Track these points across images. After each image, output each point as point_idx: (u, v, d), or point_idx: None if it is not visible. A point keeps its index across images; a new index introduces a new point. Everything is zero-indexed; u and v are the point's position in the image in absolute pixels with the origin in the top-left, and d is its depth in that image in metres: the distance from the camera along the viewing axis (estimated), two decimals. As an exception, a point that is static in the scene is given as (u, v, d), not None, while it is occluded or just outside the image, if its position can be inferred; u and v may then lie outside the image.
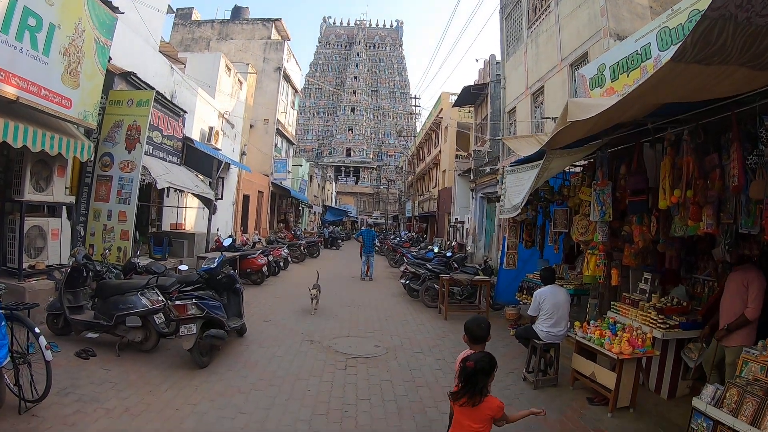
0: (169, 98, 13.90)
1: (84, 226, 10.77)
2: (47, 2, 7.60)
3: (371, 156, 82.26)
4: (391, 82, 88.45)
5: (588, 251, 7.65)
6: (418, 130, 55.54)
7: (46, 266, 8.93)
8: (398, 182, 69.55)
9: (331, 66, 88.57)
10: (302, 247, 24.22)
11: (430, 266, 13.84)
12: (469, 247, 24.84)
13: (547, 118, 14.41)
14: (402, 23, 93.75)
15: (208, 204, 15.16)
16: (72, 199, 9.91)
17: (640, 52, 8.34)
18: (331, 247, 35.81)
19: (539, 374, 7.03)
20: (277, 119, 28.95)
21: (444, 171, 35.31)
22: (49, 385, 5.01)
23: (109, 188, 10.76)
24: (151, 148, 12.16)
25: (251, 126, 25.97)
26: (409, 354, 8.47)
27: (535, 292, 7.42)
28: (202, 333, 6.89)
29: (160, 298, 7.34)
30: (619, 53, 9.01)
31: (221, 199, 18.82)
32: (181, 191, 13.94)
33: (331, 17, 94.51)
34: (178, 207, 16.25)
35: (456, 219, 29.33)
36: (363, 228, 23.53)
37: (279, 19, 30.95)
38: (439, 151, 37.35)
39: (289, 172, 32.39)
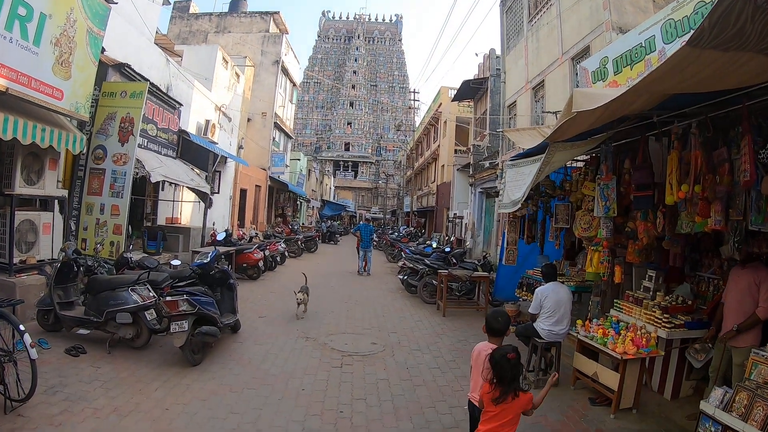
0: (165, 91, 13.74)
1: (77, 220, 10.61)
2: (38, -9, 7.44)
3: (370, 151, 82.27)
4: (390, 76, 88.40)
5: (591, 248, 7.48)
6: (417, 124, 55.33)
7: (38, 261, 8.79)
8: (397, 177, 69.44)
9: (330, 60, 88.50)
10: (299, 242, 24.11)
11: (428, 261, 13.71)
12: (467, 243, 24.69)
13: (548, 112, 14.25)
14: (401, 18, 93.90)
15: (204, 198, 14.99)
16: (64, 192, 9.79)
17: (644, 45, 8.18)
18: (329, 241, 35.70)
19: (540, 373, 6.91)
20: (275, 113, 28.74)
21: (443, 166, 35.11)
22: (34, 384, 4.87)
23: (102, 181, 10.61)
24: (146, 140, 12.00)
25: (249, 119, 25.75)
26: (407, 351, 8.31)
27: (536, 290, 7.28)
28: (194, 330, 6.71)
29: (151, 294, 7.22)
30: (622, 46, 8.84)
31: (218, 193, 18.64)
32: (176, 185, 13.77)
33: (330, 11, 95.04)
34: (173, 201, 16.07)
35: (455, 214, 29.17)
36: (361, 223, 23.39)
37: (277, 12, 30.76)
38: (438, 146, 37.15)
39: (287, 166, 32.21)
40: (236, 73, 22.14)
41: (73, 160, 10.49)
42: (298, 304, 10.27)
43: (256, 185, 27.09)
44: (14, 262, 8.17)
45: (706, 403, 4.59)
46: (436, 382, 6.88)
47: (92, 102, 10.05)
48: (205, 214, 15.46)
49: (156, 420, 5.08)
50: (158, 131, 12.77)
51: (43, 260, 8.91)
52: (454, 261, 13.91)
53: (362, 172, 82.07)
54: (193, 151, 15.09)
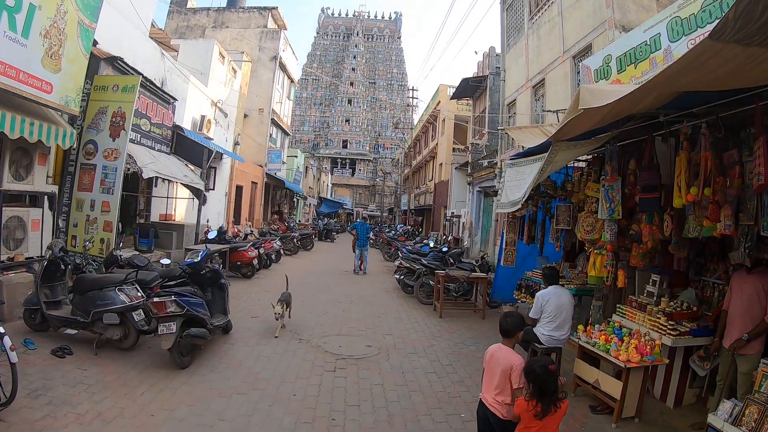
0: (159, 85, 13.49)
1: (67, 217, 10.39)
2: (27, -18, 7.26)
3: (368, 148, 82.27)
4: (388, 74, 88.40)
5: (594, 251, 7.29)
6: (416, 122, 55.27)
7: (26, 259, 8.61)
8: (394, 175, 69.35)
9: (329, 57, 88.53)
10: (295, 240, 23.89)
11: (425, 261, 13.53)
12: (465, 242, 24.59)
13: (548, 111, 14.09)
14: (401, 15, 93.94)
15: (198, 194, 14.78)
16: (54, 188, 9.62)
17: (649, 43, 7.97)
18: (326, 239, 35.54)
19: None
20: (273, 109, 28.61)
21: (441, 164, 34.97)
22: (15, 389, 4.69)
23: (92, 177, 10.37)
24: (139, 136, 11.78)
25: (245, 116, 25.61)
26: (402, 355, 8.12)
27: (537, 294, 7.08)
28: (183, 332, 6.51)
29: (139, 294, 7.02)
30: (626, 44, 8.65)
31: (213, 189, 18.45)
32: (170, 181, 13.54)
33: (329, 8, 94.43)
34: (167, 197, 15.85)
35: (452, 213, 29.08)
36: (357, 221, 23.24)
37: (275, 8, 30.61)
38: (436, 144, 37.00)
39: (284, 162, 32.12)
40: (233, 68, 21.95)
41: (64, 156, 10.27)
42: (277, 317, 8.69)
43: (253, 182, 26.90)
44: (1, 260, 7.99)
45: (714, 417, 4.41)
46: (432, 387, 6.68)
47: (83, 96, 9.83)
48: (199, 210, 15.24)
49: (141, 426, 4.89)
50: (152, 126, 12.53)
51: (32, 258, 8.72)
52: (452, 261, 13.74)
53: (360, 169, 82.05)
54: (188, 147, 14.84)
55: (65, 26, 8.33)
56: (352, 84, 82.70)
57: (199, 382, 6.19)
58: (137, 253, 10.54)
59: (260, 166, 27.84)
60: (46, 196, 9.28)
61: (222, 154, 18.10)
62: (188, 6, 30.72)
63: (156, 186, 14.77)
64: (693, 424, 5.67)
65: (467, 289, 12.65)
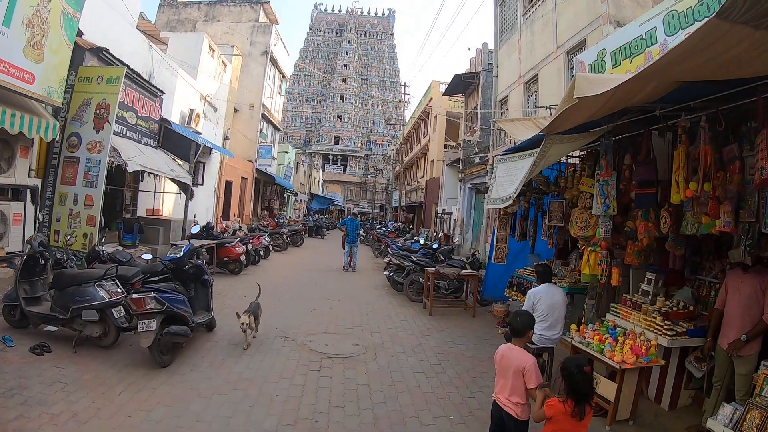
0: (147, 78, 13.25)
1: (50, 211, 10.15)
2: (9, -30, 7.10)
3: (359, 145, 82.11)
4: (381, 70, 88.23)
5: (588, 248, 7.11)
6: (407, 119, 55.16)
7: (7, 253, 8.51)
8: (386, 172, 69.28)
9: (322, 53, 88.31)
10: (285, 236, 23.66)
11: (415, 258, 13.33)
12: (456, 239, 24.46)
13: (541, 106, 13.98)
14: (394, 12, 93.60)
15: (185, 189, 14.54)
16: (37, 181, 9.45)
17: (644, 37, 7.84)
18: (316, 236, 35.30)
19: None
20: (263, 104, 28.42)
21: (432, 161, 34.86)
22: (-13, 389, 4.48)
23: (75, 170, 10.16)
24: (125, 129, 11.56)
25: (236, 110, 25.38)
26: (390, 354, 7.93)
27: (529, 291, 6.89)
28: (163, 329, 6.30)
29: (119, 290, 6.78)
30: (621, 38, 8.51)
31: (201, 184, 18.20)
32: (156, 175, 13.31)
33: (322, 4, 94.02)
34: (155, 192, 15.64)
35: (443, 210, 28.97)
36: (347, 217, 23.08)
37: (267, 2, 30.41)
38: (428, 141, 36.89)
39: (274, 158, 31.93)
40: (223, 62, 21.70)
41: (47, 148, 10.05)
42: (243, 330, 7.56)
43: (242, 177, 26.69)
44: (-19, 254, 7.79)
45: (714, 421, 4.25)
46: (420, 388, 6.50)
47: (67, 87, 9.61)
48: (186, 205, 15.01)
49: (117, 428, 4.71)
50: (138, 119, 12.30)
51: (13, 252, 8.59)
52: (442, 258, 13.55)
53: (351, 166, 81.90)
54: (176, 141, 14.58)
55: (48, 15, 8.21)
56: (344, 80, 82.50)
57: (179, 382, 5.99)
58: (120, 248, 10.28)
59: (250, 161, 27.64)
60: (28, 190, 9.14)
61: (211, 148, 17.87)
62: (179, -1, 30.52)
63: (143, 180, 14.52)
64: (689, 426, 5.53)
65: (457, 287, 12.50)
